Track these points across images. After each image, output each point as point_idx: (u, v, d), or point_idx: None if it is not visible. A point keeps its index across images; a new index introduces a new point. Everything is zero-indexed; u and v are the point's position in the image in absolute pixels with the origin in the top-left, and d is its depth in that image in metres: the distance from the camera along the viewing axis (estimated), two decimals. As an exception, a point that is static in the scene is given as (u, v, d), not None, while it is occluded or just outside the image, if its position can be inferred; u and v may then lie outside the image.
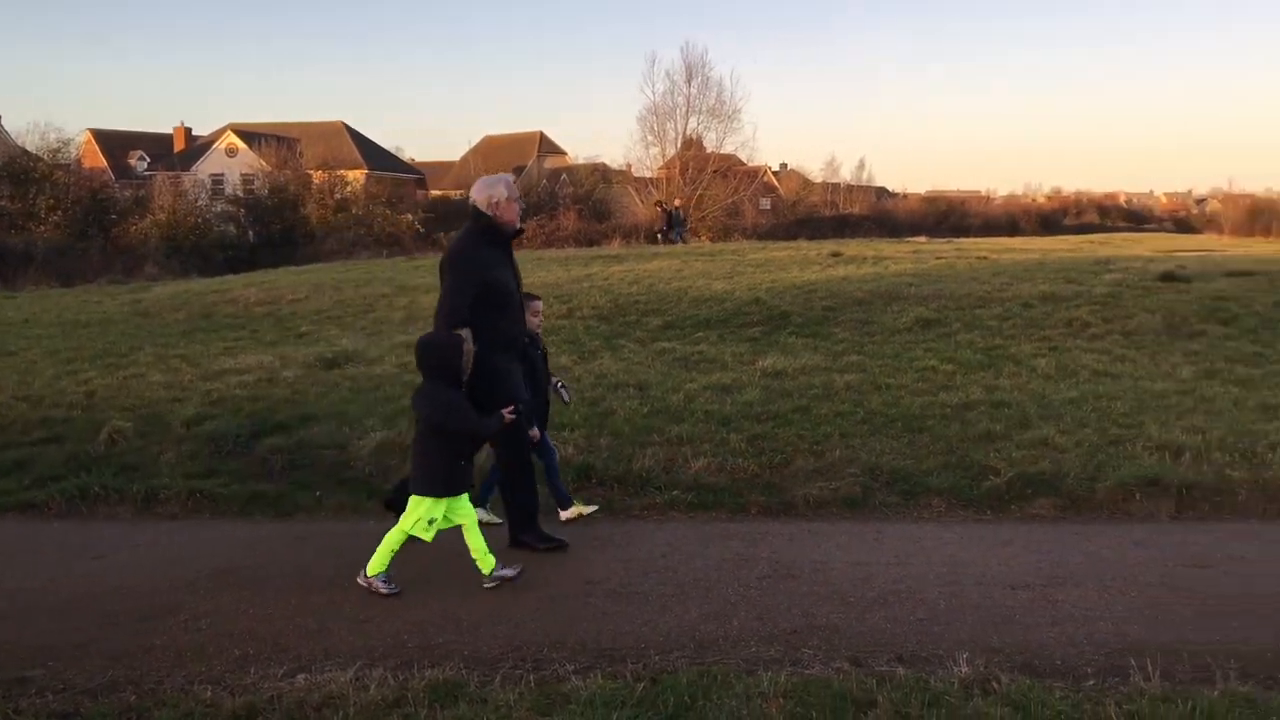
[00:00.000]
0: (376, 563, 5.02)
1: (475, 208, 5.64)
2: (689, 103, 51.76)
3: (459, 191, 56.01)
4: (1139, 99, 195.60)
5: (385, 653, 4.32)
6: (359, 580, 5.02)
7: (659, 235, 30.44)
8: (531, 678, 3.99)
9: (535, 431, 5.82)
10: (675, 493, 6.49)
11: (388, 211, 41.32)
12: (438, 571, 5.29)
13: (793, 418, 7.86)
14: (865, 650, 4.28)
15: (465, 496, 5.12)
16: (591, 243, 36.77)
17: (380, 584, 4.99)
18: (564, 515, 6.13)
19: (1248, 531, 5.79)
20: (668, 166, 51.29)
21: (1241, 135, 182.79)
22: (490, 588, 5.01)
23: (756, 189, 57.57)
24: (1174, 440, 7.00)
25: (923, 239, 40.82)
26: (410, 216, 42.79)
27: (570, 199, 50.48)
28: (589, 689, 3.81)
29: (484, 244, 5.57)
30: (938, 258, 21.25)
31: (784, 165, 76.24)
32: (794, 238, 39.60)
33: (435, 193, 58.10)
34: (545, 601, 4.91)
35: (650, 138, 52.71)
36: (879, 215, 66.36)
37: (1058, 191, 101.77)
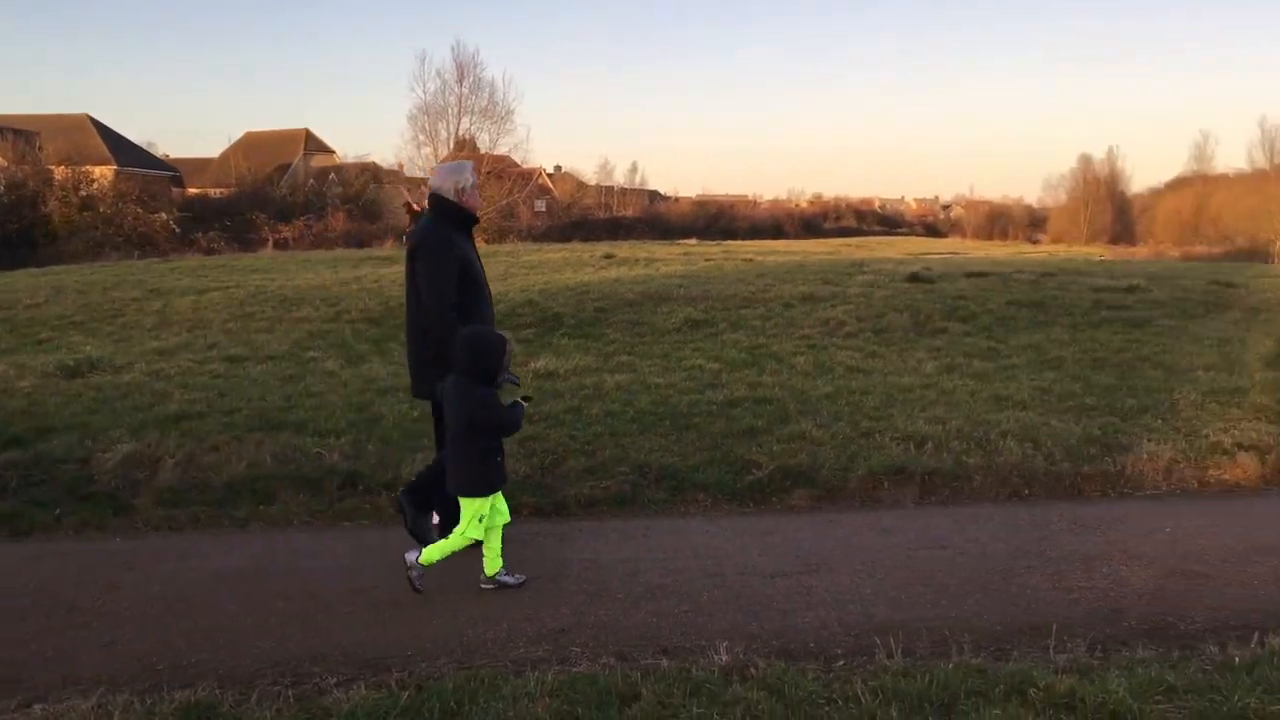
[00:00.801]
0: (429, 554, 4.90)
1: (440, 195, 5.59)
2: (460, 103, 51.12)
3: (219, 190, 53.45)
4: (894, 111, 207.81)
5: (133, 676, 4.07)
6: (409, 568, 4.88)
7: (403, 238, 29.83)
8: (291, 693, 3.86)
9: None
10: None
11: (139, 210, 39.02)
12: (197, 590, 5.04)
13: (564, 418, 7.92)
14: (632, 644, 4.37)
15: (501, 494, 5.11)
16: (362, 244, 35.87)
17: (417, 575, 4.90)
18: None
19: (982, 514, 6.23)
20: (441, 167, 50.46)
21: (981, 146, 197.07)
22: (487, 589, 5.01)
23: (531, 191, 57.61)
24: (918, 431, 7.47)
25: (693, 241, 41.89)
26: (165, 216, 40.55)
27: (339, 199, 49.05)
28: (351, 701, 3.72)
29: (452, 229, 5.56)
30: (707, 260, 21.89)
31: (558, 168, 76.69)
32: (569, 240, 39.91)
33: (193, 190, 55.15)
34: (309, 612, 4.76)
35: (422, 137, 51.78)
36: (651, 218, 67.74)
37: (819, 197, 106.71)
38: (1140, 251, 55.22)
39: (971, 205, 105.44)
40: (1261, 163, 78.08)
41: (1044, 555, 5.46)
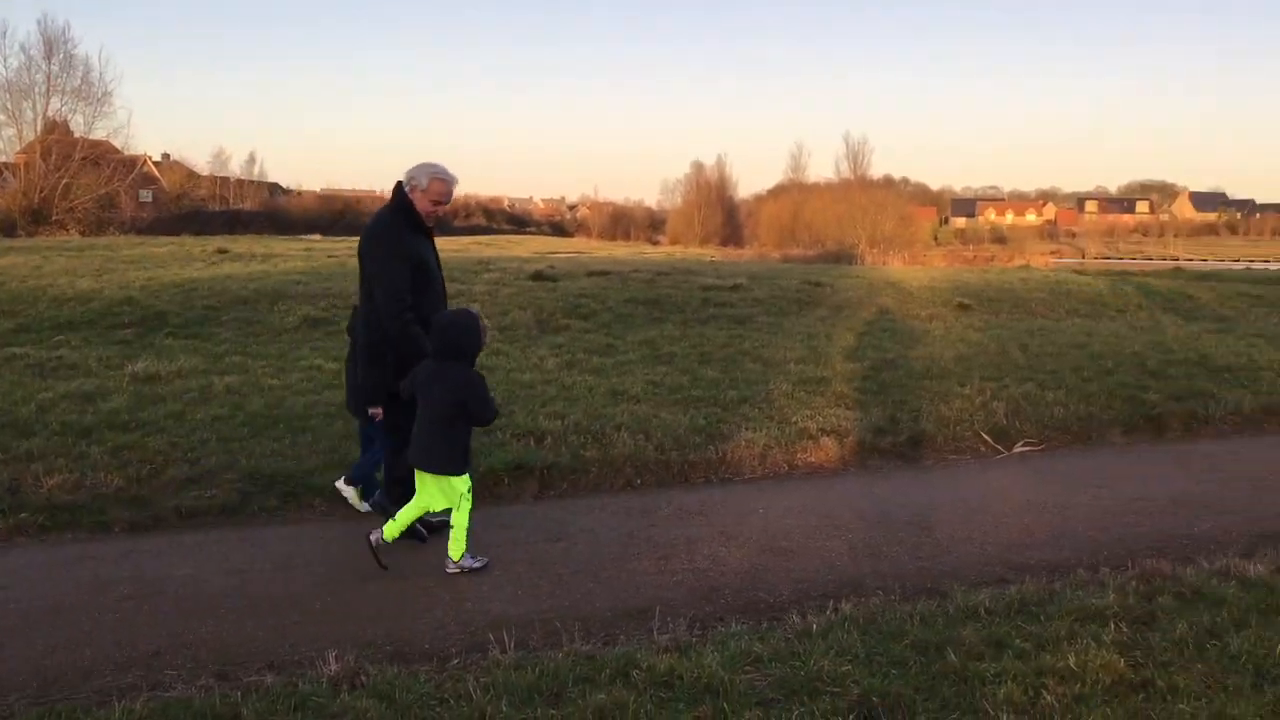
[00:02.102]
0: (456, 548, 5.19)
1: (408, 195, 5.60)
2: (50, 81, 46.47)
3: None
4: (516, 112, 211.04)
5: None
6: (450, 570, 5.16)
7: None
8: None
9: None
10: (23, 515, 5.77)
11: None
12: None
13: (166, 424, 7.37)
14: (236, 662, 4.13)
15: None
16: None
17: (470, 561, 5.20)
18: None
19: (597, 505, 6.46)
20: (27, 150, 45.63)
21: (604, 147, 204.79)
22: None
23: (135, 180, 53.19)
24: (539, 427, 7.63)
25: (317, 237, 40.37)
26: None
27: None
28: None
29: (404, 225, 5.58)
30: (330, 256, 21.17)
31: (166, 156, 71.32)
32: (178, 233, 37.23)
33: None
34: None
35: (3, 118, 46.56)
36: (272, 212, 64.67)
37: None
38: (746, 253, 59.45)
39: (596, 206, 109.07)
40: (847, 173, 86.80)
41: (652, 541, 5.75)
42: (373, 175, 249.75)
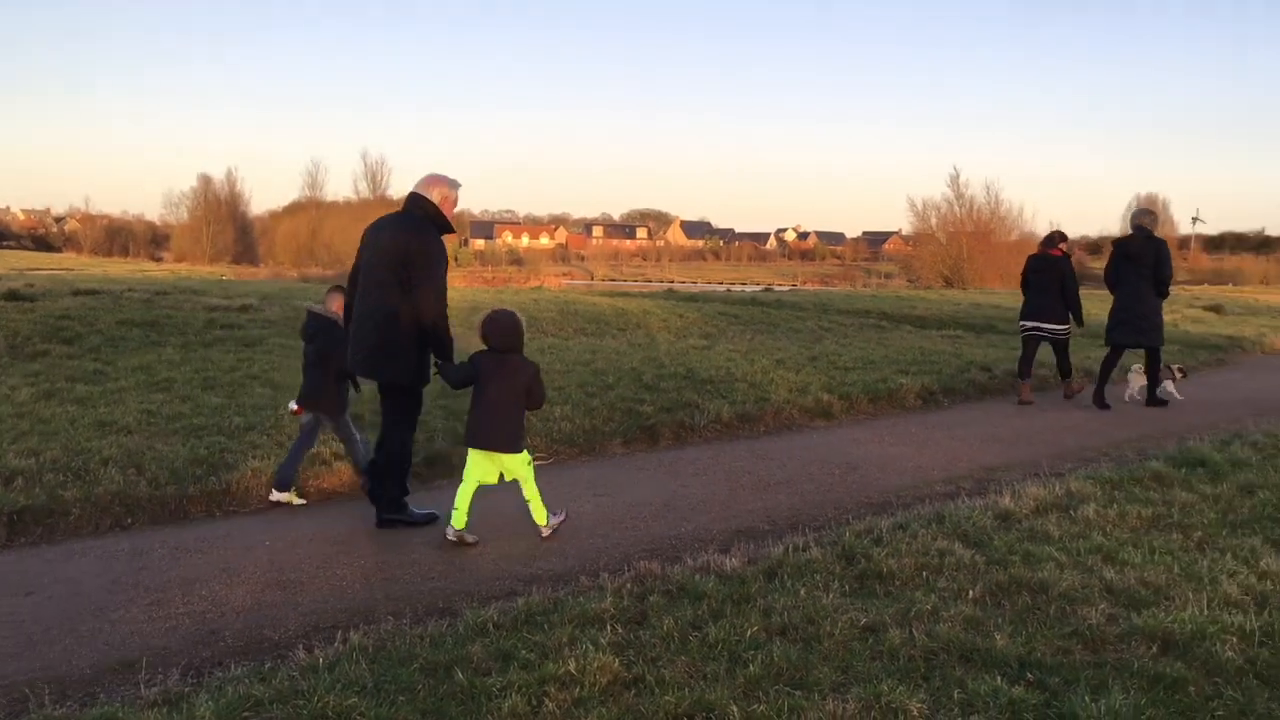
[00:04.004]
0: (540, 515, 6.08)
1: (437, 205, 6.29)
2: None
3: None
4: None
5: None
6: (544, 535, 6.08)
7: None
8: None
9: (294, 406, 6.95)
10: None
11: None
12: None
13: None
14: None
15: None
16: None
17: (556, 519, 6.18)
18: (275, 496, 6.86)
19: (79, 550, 5.81)
20: None
21: (100, 153, 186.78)
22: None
23: None
24: (6, 466, 6.74)
25: None
26: None
27: None
28: None
29: (435, 232, 6.25)
30: None
31: None
32: None
33: None
34: None
35: None
36: None
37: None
38: (262, 272, 57.08)
39: (88, 219, 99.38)
40: (365, 192, 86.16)
41: (142, 585, 5.26)
42: None
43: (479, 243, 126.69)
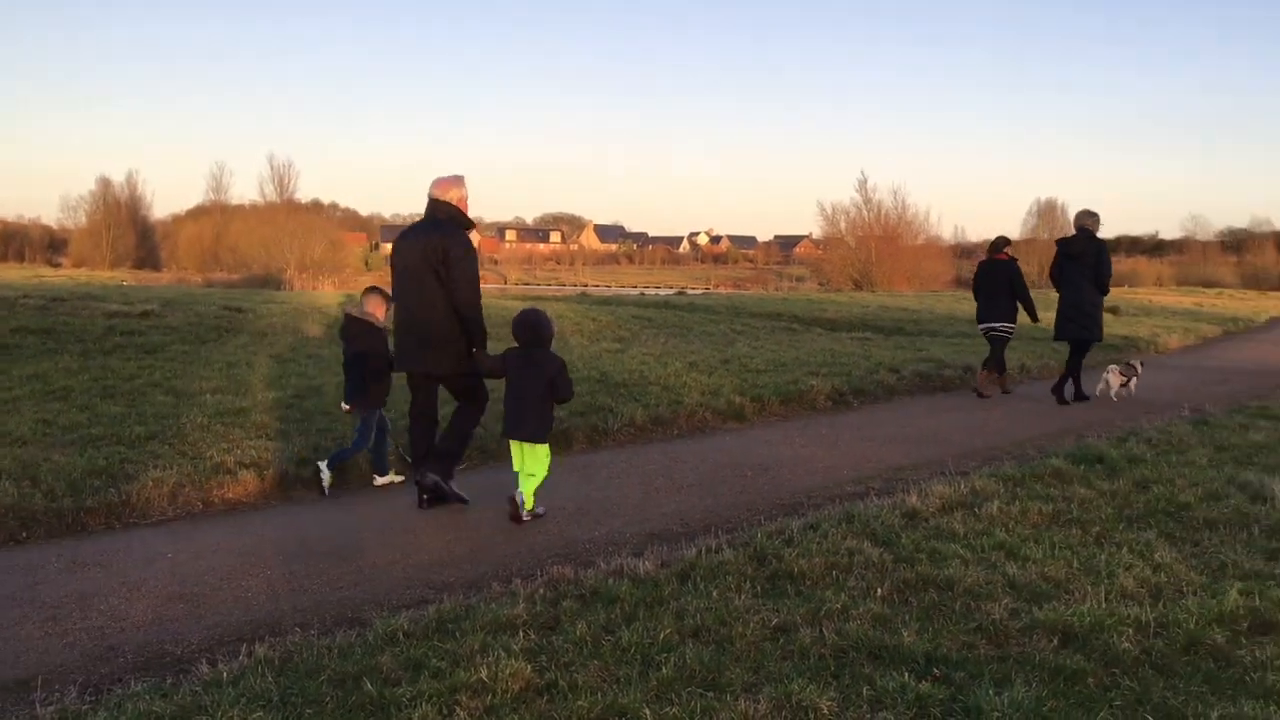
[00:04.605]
0: (530, 498, 6.56)
1: (457, 206, 6.95)
2: None
3: None
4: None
5: None
6: (523, 518, 6.51)
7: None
8: None
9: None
10: None
11: None
12: None
13: None
14: None
15: None
16: None
17: (540, 510, 6.68)
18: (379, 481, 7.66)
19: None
20: None
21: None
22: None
23: None
24: (-110, 481, 6.46)
25: None
26: None
27: None
28: None
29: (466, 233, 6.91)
30: None
31: None
32: None
33: None
34: None
35: None
36: None
37: None
38: (164, 277, 55.68)
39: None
40: (272, 195, 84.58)
41: (38, 601, 5.08)
42: None
43: (389, 247, 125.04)
